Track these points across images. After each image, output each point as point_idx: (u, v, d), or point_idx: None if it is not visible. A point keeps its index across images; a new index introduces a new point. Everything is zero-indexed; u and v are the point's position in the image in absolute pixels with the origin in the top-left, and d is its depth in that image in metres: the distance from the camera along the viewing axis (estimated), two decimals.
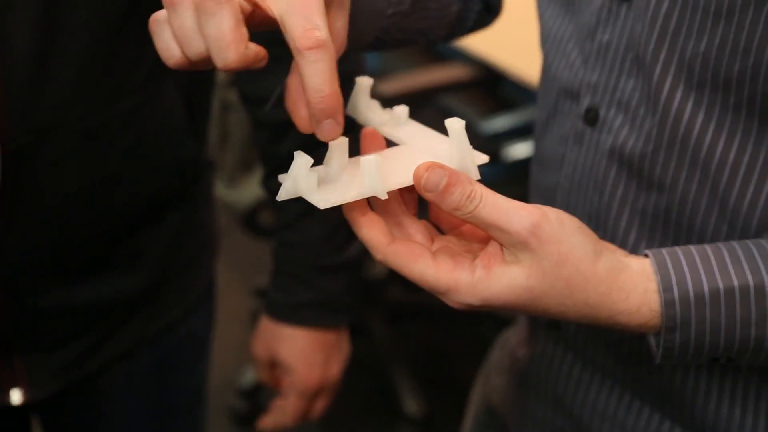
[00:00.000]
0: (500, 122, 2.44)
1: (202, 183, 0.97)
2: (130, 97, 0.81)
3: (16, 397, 0.88)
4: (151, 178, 0.87)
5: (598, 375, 0.72)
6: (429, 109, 1.96)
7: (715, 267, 0.55)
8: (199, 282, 1.01)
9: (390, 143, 0.60)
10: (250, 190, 1.92)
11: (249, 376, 2.07)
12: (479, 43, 1.76)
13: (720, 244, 0.57)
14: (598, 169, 0.67)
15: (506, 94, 2.15)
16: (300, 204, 0.91)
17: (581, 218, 0.68)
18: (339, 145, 0.54)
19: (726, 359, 0.57)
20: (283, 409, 0.99)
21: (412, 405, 1.98)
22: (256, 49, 0.52)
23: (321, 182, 0.54)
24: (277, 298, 0.97)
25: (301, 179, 0.53)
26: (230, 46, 0.50)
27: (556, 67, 0.71)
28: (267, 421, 1.02)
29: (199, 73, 0.88)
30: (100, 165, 0.81)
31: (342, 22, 0.58)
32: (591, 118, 0.67)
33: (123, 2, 0.76)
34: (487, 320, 2.25)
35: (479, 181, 0.53)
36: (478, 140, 1.96)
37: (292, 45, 0.50)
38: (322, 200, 0.52)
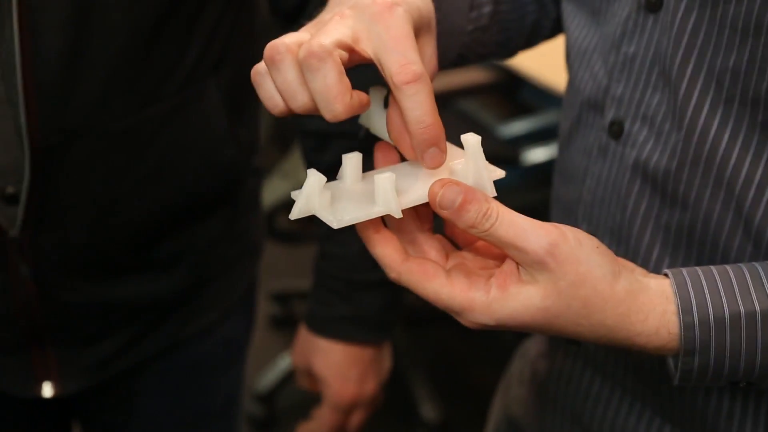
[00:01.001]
0: (519, 126, 2.43)
1: (245, 189, 0.96)
2: (166, 101, 0.81)
3: (47, 389, 0.89)
4: (185, 182, 0.86)
5: (617, 392, 0.71)
6: (448, 113, 1.96)
7: (736, 290, 0.54)
8: (238, 287, 1.01)
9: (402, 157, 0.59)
10: (268, 194, 1.92)
11: (266, 382, 2.06)
12: None
13: (742, 266, 0.56)
14: (621, 183, 0.66)
15: (525, 98, 2.14)
16: None
17: (603, 233, 0.68)
18: (352, 161, 0.54)
19: (746, 383, 0.56)
20: (320, 419, 0.98)
21: (429, 410, 1.98)
22: (359, 97, 0.53)
23: (334, 199, 0.53)
24: (315, 309, 0.96)
25: (314, 197, 0.52)
26: (337, 98, 0.51)
27: (581, 79, 0.70)
28: (305, 429, 1.01)
29: (244, 78, 0.89)
30: (132, 167, 0.81)
31: (431, 48, 0.59)
32: (615, 131, 0.66)
33: (160, 5, 0.76)
34: None
35: (495, 198, 0.53)
36: (496, 144, 1.95)
37: (389, 81, 0.52)
38: (336, 219, 0.52)
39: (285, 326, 2.30)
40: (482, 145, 0.54)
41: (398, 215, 0.52)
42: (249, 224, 0.99)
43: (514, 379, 0.87)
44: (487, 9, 0.74)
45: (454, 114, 2.07)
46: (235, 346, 1.04)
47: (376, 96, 0.59)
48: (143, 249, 0.87)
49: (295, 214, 0.52)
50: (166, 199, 0.86)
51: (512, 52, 0.81)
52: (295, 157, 1.79)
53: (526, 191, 2.37)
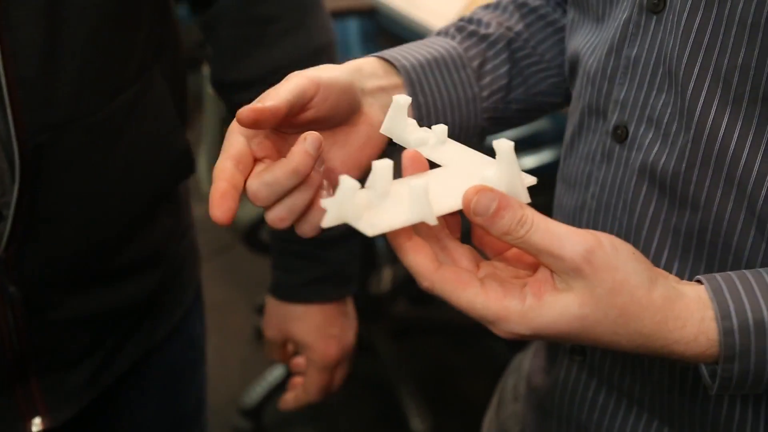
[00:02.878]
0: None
1: (184, 182, 0.97)
2: (129, 88, 0.80)
3: (36, 425, 0.86)
4: (150, 174, 0.86)
5: (624, 402, 0.70)
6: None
7: None
8: (193, 283, 1.02)
9: (431, 164, 0.58)
10: (251, 206, 1.90)
11: (253, 395, 2.05)
12: None
13: None
14: (628, 187, 0.65)
15: None
16: None
17: None
18: (384, 168, 0.52)
19: None
20: (305, 387, 0.99)
21: (418, 423, 1.97)
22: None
23: (365, 207, 0.52)
24: (284, 278, 0.97)
25: (347, 205, 0.50)
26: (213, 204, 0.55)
27: (581, 84, 0.70)
28: (288, 399, 1.01)
29: (179, 66, 0.89)
30: (108, 163, 0.80)
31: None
32: (620, 135, 0.65)
33: None
34: (494, 338, 2.23)
35: (529, 204, 0.52)
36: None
37: None
38: (370, 227, 0.50)
39: None
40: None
41: (433, 222, 0.51)
42: (190, 219, 1.00)
43: (507, 395, 0.86)
44: (502, 70, 0.74)
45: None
46: (198, 346, 1.05)
47: (401, 103, 0.59)
48: (119, 250, 0.86)
49: (327, 222, 0.51)
50: (136, 194, 0.85)
51: (561, 104, 0.81)
52: None
53: None
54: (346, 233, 0.96)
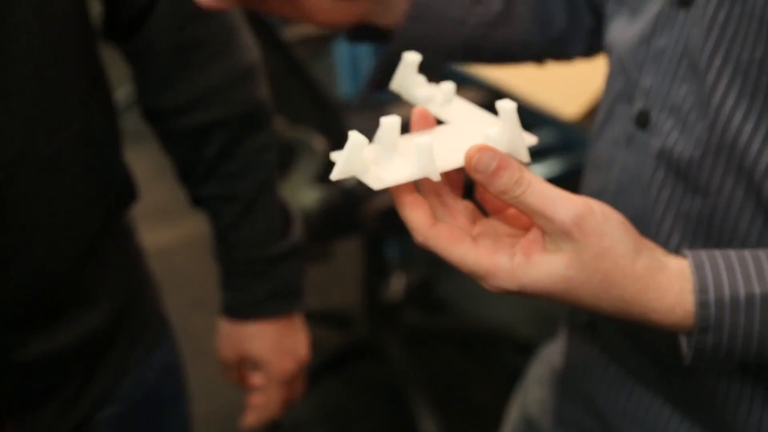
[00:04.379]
0: None
1: (129, 212, 0.95)
2: (73, 122, 0.79)
3: None
4: (99, 204, 0.85)
5: (630, 379, 0.73)
6: None
7: (753, 272, 0.55)
8: (156, 310, 0.99)
9: (437, 121, 0.60)
10: None
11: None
12: (492, 69, 1.79)
13: (760, 251, 0.57)
14: (645, 170, 0.68)
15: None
16: (237, 204, 0.94)
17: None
18: (391, 125, 0.54)
19: (759, 364, 0.58)
20: (267, 402, 1.00)
21: (429, 429, 1.97)
22: None
23: (372, 161, 0.54)
24: (235, 298, 0.97)
25: (355, 159, 0.52)
26: None
27: (614, 73, 0.73)
28: (251, 418, 1.02)
29: (111, 97, 0.88)
30: (59, 194, 0.79)
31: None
32: (642, 120, 0.68)
33: (66, 24, 0.76)
34: (505, 345, 2.25)
35: (528, 164, 0.54)
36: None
37: None
38: (376, 180, 0.53)
39: None
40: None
41: (437, 178, 0.53)
42: (139, 247, 0.98)
43: (532, 382, 0.89)
44: (496, 7, 0.76)
45: None
46: (175, 374, 1.02)
47: (409, 60, 0.60)
48: (73, 285, 0.84)
49: (336, 174, 0.53)
50: (86, 226, 0.83)
51: (538, 58, 0.83)
52: (290, 182, 1.82)
53: None
54: (293, 249, 0.97)
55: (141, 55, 0.90)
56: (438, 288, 2.44)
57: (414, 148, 0.52)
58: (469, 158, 0.52)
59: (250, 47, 0.93)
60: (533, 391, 0.88)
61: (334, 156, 0.53)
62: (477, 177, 0.53)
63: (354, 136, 0.52)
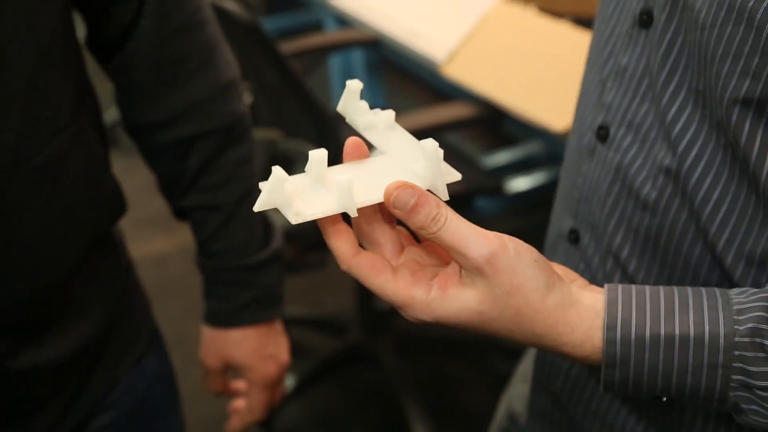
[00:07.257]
0: (502, 157, 2.51)
1: (118, 223, 0.95)
2: (64, 132, 0.79)
3: None
4: (89, 215, 0.85)
5: (592, 377, 0.75)
6: None
7: (662, 312, 0.57)
8: (146, 319, 1.00)
9: (372, 147, 0.61)
10: None
11: None
12: (482, 83, 1.83)
13: (675, 289, 0.59)
14: (603, 183, 0.70)
15: (507, 130, 2.20)
16: (219, 214, 0.95)
17: (585, 228, 0.73)
18: (319, 158, 0.56)
19: (667, 399, 0.59)
20: (250, 407, 1.02)
21: (421, 431, 1.98)
22: None
23: (296, 194, 0.55)
24: (218, 306, 0.99)
25: (276, 193, 0.54)
26: None
27: (586, 81, 0.75)
28: (234, 423, 1.04)
29: (99, 110, 0.89)
30: (50, 204, 0.79)
31: None
32: (602, 135, 0.70)
33: (54, 36, 0.76)
34: (494, 352, 2.26)
35: (447, 202, 0.56)
36: (481, 174, 2.02)
37: None
38: (295, 215, 0.54)
39: None
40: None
41: (354, 214, 0.55)
42: (128, 258, 0.98)
43: (517, 379, 0.92)
44: None
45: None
46: (168, 384, 1.03)
47: (353, 88, 0.61)
48: (63, 295, 0.84)
49: (258, 206, 0.55)
50: (76, 237, 0.83)
51: None
52: None
53: (510, 219, 2.44)
54: (274, 256, 0.99)
55: (123, 72, 0.90)
56: None
57: (334, 185, 0.54)
58: (388, 195, 0.54)
59: (230, 62, 0.94)
60: (517, 387, 0.91)
61: (261, 185, 0.55)
62: (396, 213, 0.54)
63: (276, 172, 0.54)
